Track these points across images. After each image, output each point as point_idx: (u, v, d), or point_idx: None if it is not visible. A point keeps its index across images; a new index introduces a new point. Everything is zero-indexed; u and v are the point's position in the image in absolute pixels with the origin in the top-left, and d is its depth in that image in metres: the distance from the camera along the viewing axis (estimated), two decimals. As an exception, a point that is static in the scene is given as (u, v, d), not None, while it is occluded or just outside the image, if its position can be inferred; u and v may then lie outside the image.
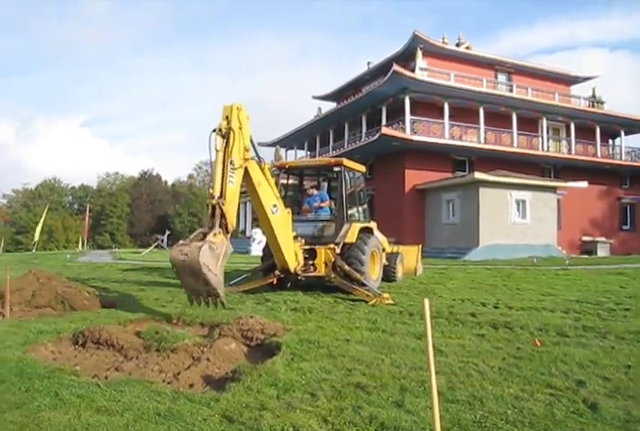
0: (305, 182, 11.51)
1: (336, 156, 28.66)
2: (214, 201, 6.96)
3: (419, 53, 27.08)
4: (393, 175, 26.77)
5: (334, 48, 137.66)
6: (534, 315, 7.62)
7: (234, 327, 6.22)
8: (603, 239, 29.90)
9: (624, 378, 4.68)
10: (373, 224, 11.05)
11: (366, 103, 28.08)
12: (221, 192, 7.05)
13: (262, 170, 8.19)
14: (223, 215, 6.95)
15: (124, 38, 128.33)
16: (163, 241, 34.24)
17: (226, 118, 7.38)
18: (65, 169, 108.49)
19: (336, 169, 10.00)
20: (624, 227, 32.63)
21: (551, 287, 11.01)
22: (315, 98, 39.21)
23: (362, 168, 10.90)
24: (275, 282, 9.65)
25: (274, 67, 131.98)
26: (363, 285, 8.94)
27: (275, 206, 8.41)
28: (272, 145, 40.55)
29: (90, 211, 55.59)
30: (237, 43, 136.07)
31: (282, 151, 41.24)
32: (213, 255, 6.57)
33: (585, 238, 29.89)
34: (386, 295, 8.59)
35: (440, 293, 9.93)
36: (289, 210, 8.97)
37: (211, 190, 7.12)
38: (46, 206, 42.96)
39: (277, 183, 10.32)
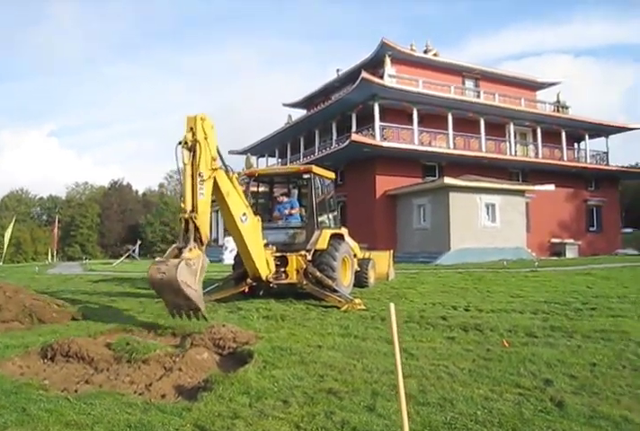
0: (275, 190, 11.54)
1: (307, 163, 28.72)
2: (186, 215, 6.92)
3: (387, 60, 27.39)
4: (364, 181, 26.94)
5: (307, 56, 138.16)
6: (503, 317, 7.75)
7: (206, 336, 6.19)
8: (571, 241, 30.46)
9: (589, 376, 4.81)
10: (344, 231, 11.12)
11: (336, 110, 28.26)
12: (193, 206, 7.01)
13: (230, 179, 8.13)
14: (197, 229, 6.94)
15: (91, 46, 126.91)
16: (134, 251, 33.83)
17: (191, 129, 7.28)
18: (33, 180, 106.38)
19: (306, 176, 10.05)
20: (591, 229, 33.32)
21: (520, 289, 11.20)
22: (285, 105, 39.32)
23: (332, 175, 10.96)
24: (247, 290, 9.63)
25: (246, 75, 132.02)
26: (335, 291, 8.98)
27: (245, 214, 8.38)
28: (243, 152, 40.45)
29: (59, 222, 54.64)
30: (208, 51, 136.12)
31: (253, 159, 41.14)
32: (190, 271, 6.59)
33: (554, 240, 30.42)
34: (357, 301, 8.64)
35: (411, 297, 10.02)
36: (259, 218, 8.95)
37: (182, 204, 7.07)
38: (13, 218, 42.12)
39: (247, 191, 10.34)
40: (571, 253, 29.46)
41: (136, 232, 65.30)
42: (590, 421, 3.71)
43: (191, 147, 7.15)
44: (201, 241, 6.99)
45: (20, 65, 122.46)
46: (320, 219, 9.93)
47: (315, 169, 10.16)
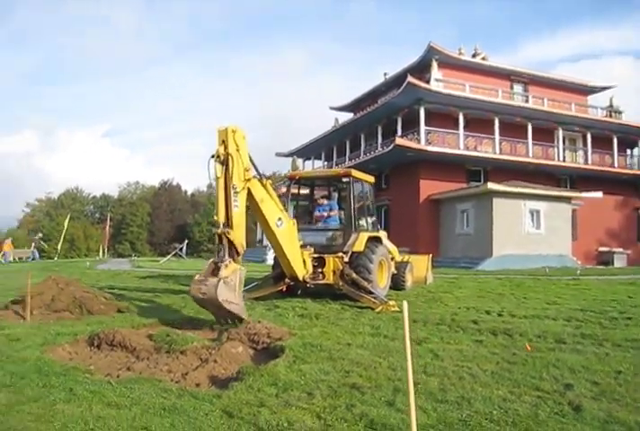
0: (316, 192, 11.79)
1: (352, 166, 28.86)
2: (219, 231, 7.09)
3: (434, 64, 27.32)
4: (408, 185, 26.95)
5: (358, 59, 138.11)
6: (535, 323, 7.77)
7: (241, 331, 6.49)
8: (620, 249, 29.66)
9: (612, 382, 4.85)
10: (382, 234, 11.29)
11: (381, 114, 28.36)
12: (227, 219, 7.17)
13: (264, 186, 8.23)
14: (231, 243, 7.13)
15: (145, 49, 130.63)
16: (182, 249, 34.72)
17: (223, 142, 7.31)
18: (86, 178, 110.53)
19: (345, 180, 10.27)
20: (642, 238, 32.36)
21: (558, 296, 11.11)
22: (332, 109, 39.61)
23: (371, 179, 11.14)
24: (285, 289, 9.93)
25: (293, 78, 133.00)
26: (370, 292, 9.16)
27: (280, 219, 8.56)
28: (290, 155, 41.00)
29: (111, 220, 56.49)
30: (260, 53, 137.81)
31: (300, 161, 41.66)
32: (229, 288, 6.89)
33: (602, 249, 29.70)
34: (392, 303, 8.81)
35: (446, 301, 10.12)
36: (295, 221, 9.18)
37: (216, 217, 7.20)
38: (67, 215, 43.86)
39: (288, 193, 10.63)
40: (619, 262, 28.69)
41: (184, 231, 66.72)
42: (604, 425, 3.79)
43: (224, 161, 7.24)
44: (237, 252, 7.20)
45: (78, 67, 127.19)
46: (358, 222, 10.13)
47: (355, 173, 10.37)
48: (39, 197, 79.60)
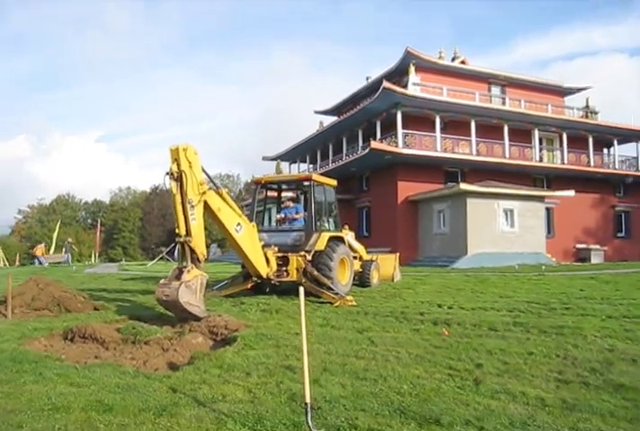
0: (284, 195, 12.47)
1: (334, 169, 29.74)
2: (182, 240, 7.71)
3: (412, 68, 28.04)
4: (387, 187, 27.65)
5: (351, 61, 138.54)
6: (477, 314, 8.47)
7: (202, 324, 7.18)
8: (597, 246, 30.43)
9: (520, 362, 5.53)
10: (345, 233, 11.98)
11: (361, 118, 29.02)
12: (186, 230, 7.73)
13: (221, 195, 8.72)
14: (192, 251, 7.75)
15: (140, 53, 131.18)
16: (168, 253, 35.37)
17: (175, 160, 7.74)
18: (79, 184, 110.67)
19: (305, 183, 10.98)
20: (618, 235, 33.15)
21: (513, 291, 11.81)
22: (317, 112, 40.19)
23: (333, 182, 11.81)
24: (252, 287, 10.59)
25: (289, 80, 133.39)
26: (330, 289, 9.84)
27: (239, 224, 9.12)
28: (276, 158, 41.66)
29: (102, 225, 57.02)
30: (253, 55, 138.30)
31: (284, 165, 42.31)
32: (191, 291, 7.51)
33: (579, 246, 30.49)
34: (349, 298, 9.51)
35: (405, 296, 10.81)
36: (254, 224, 9.81)
37: (177, 230, 7.77)
38: (58, 221, 44.37)
39: (255, 197, 11.31)
40: (596, 259, 29.44)
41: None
42: (493, 395, 4.45)
43: (178, 178, 7.71)
44: (199, 260, 7.82)
45: (72, 72, 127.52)
46: (319, 223, 10.81)
47: (315, 177, 11.06)
48: (30, 204, 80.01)
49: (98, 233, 47.03)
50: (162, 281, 7.80)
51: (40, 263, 30.27)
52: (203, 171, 8.22)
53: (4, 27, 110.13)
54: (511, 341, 6.46)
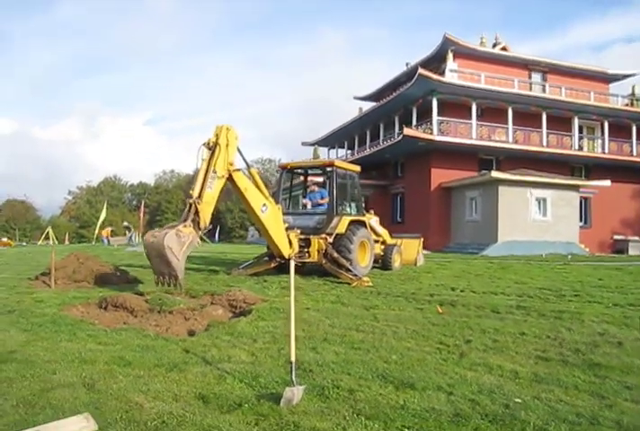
0: (311, 179, 13.03)
1: (369, 156, 30.07)
2: (191, 200, 8.28)
3: (449, 55, 27.99)
4: (420, 173, 27.87)
5: (396, 45, 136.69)
6: (486, 297, 8.82)
7: (223, 297, 7.82)
8: (636, 238, 29.98)
9: (509, 340, 5.87)
10: (368, 218, 12.45)
11: (398, 104, 29.21)
12: (200, 194, 8.37)
13: (252, 175, 9.47)
14: (197, 213, 8.26)
15: (185, 37, 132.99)
16: (213, 235, 36.83)
17: (216, 135, 8.67)
18: (126, 166, 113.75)
19: (328, 169, 11.48)
20: (659, 227, 32.48)
21: (531, 278, 12.05)
22: (356, 98, 40.41)
23: (356, 168, 12.27)
24: (274, 266, 11.19)
25: (333, 65, 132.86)
26: (348, 270, 10.36)
27: (265, 205, 9.74)
28: (315, 144, 42.18)
29: (146, 207, 58.74)
30: (297, 41, 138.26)
31: (322, 150, 42.78)
32: (178, 241, 7.85)
33: (617, 237, 30.09)
34: (366, 279, 10.02)
35: (422, 279, 11.22)
36: (280, 206, 10.43)
37: (191, 191, 8.41)
38: (105, 202, 46.10)
39: (280, 181, 11.88)
40: (634, 251, 28.98)
41: (216, 218, 68.74)
42: (472, 367, 4.84)
43: (212, 148, 8.54)
44: (198, 225, 8.29)
45: (120, 57, 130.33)
46: (341, 207, 11.32)
47: (338, 162, 11.58)
48: (79, 186, 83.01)
49: (142, 215, 48.59)
50: (157, 229, 8.35)
51: (109, 243, 33.51)
52: (240, 153, 8.96)
53: (53, 14, 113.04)
54: (508, 322, 6.79)
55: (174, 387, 4.10)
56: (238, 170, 9.04)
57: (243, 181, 9.23)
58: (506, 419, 3.58)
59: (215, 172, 8.53)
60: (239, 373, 4.45)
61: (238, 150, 9.08)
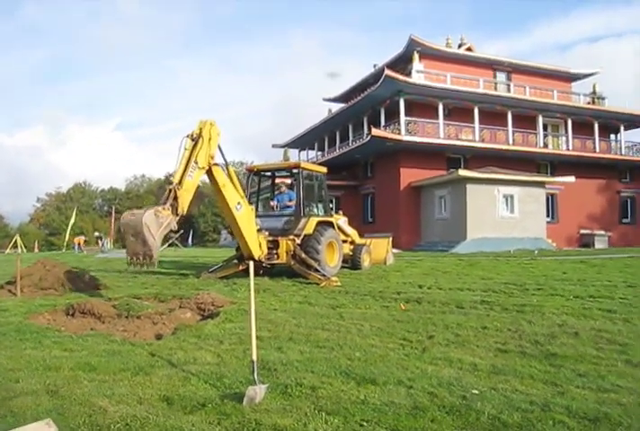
0: (281, 181, 13.12)
1: (339, 157, 30.26)
2: (171, 186, 8.51)
3: (415, 56, 28.39)
4: (390, 173, 28.18)
5: (367, 46, 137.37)
6: (452, 293, 9.00)
7: (192, 301, 7.84)
8: (602, 232, 30.67)
9: (471, 334, 6.02)
10: (336, 218, 12.59)
11: (366, 105, 29.49)
12: (180, 181, 8.57)
13: (229, 173, 9.68)
14: (176, 198, 8.43)
15: (155, 41, 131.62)
16: (185, 240, 36.62)
17: (200, 129, 8.98)
18: (97, 172, 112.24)
19: (295, 171, 11.58)
20: (624, 220, 33.41)
21: (498, 273, 12.32)
22: (325, 100, 40.58)
23: (322, 169, 12.40)
24: (242, 269, 11.23)
25: (305, 68, 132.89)
26: (317, 270, 10.47)
27: (239, 203, 9.90)
28: (285, 146, 42.25)
29: (117, 213, 58.00)
30: (269, 44, 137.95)
31: (292, 152, 42.91)
32: (156, 222, 7.99)
33: (583, 231, 30.76)
34: (334, 279, 10.14)
35: (391, 278, 11.37)
36: (253, 207, 10.54)
37: (172, 178, 8.69)
38: (74, 209, 45.50)
39: (248, 183, 11.95)
40: (600, 244, 29.67)
41: (189, 222, 68.22)
42: (433, 361, 4.95)
43: (195, 139, 8.82)
44: (176, 210, 8.43)
45: (88, 61, 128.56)
46: (308, 208, 11.43)
47: (304, 164, 11.72)
48: (48, 192, 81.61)
49: (112, 221, 48.04)
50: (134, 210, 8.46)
51: (80, 250, 34.03)
52: (220, 150, 9.32)
53: (18, 19, 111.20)
54: (471, 317, 6.97)
55: (139, 390, 4.13)
56: (217, 165, 9.20)
57: (221, 177, 9.46)
58: (462, 410, 3.69)
59: (196, 163, 8.74)
60: (204, 375, 4.50)
61: (219, 147, 9.42)
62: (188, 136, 8.91)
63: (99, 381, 4.38)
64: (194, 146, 8.88)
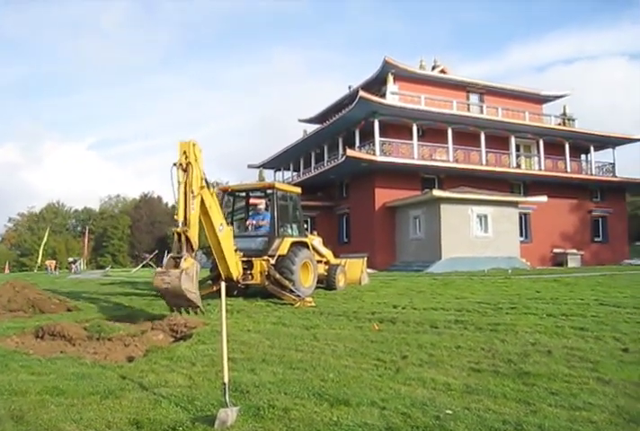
0: (252, 201, 13.10)
1: (314, 177, 30.42)
2: (179, 229, 8.36)
3: (390, 78, 28.87)
4: (364, 194, 28.33)
5: (346, 66, 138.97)
6: (426, 313, 9.01)
7: (164, 322, 7.75)
8: (574, 251, 31.11)
9: (445, 354, 6.03)
10: (311, 239, 12.61)
11: (341, 126, 29.75)
12: (185, 219, 8.44)
13: (212, 194, 9.57)
14: (188, 240, 8.35)
15: (135, 59, 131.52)
16: (152, 259, 36.21)
17: (184, 152, 8.68)
18: (70, 191, 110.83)
19: (269, 191, 11.62)
20: (596, 239, 33.94)
21: (472, 293, 12.36)
22: (300, 121, 40.84)
23: (297, 190, 12.46)
24: (216, 290, 11.13)
25: (284, 86, 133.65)
26: (291, 291, 10.45)
27: (221, 224, 9.83)
28: (261, 166, 42.35)
29: (91, 233, 57.42)
30: (250, 61, 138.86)
31: (268, 172, 43.01)
32: (189, 278, 8.08)
33: (556, 250, 31.19)
34: (308, 299, 10.12)
35: (365, 298, 11.36)
36: (232, 227, 10.50)
37: (176, 217, 8.50)
38: (47, 229, 44.86)
39: (222, 204, 11.92)
40: (573, 263, 30.06)
41: (164, 243, 67.66)
42: (406, 381, 4.94)
43: (185, 168, 8.61)
44: (192, 249, 8.42)
45: (62, 79, 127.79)
46: (282, 229, 11.44)
47: (278, 185, 11.74)
48: (21, 212, 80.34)
49: (86, 241, 47.48)
50: (158, 270, 8.49)
51: (52, 273, 33.22)
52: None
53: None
54: (445, 337, 6.98)
55: (108, 414, 4.06)
56: (204, 187, 9.05)
57: (208, 199, 9.27)
58: (435, 430, 3.71)
59: (192, 192, 8.57)
60: (175, 397, 4.44)
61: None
62: (176, 167, 8.60)
63: (67, 405, 4.29)
64: (187, 176, 8.61)
